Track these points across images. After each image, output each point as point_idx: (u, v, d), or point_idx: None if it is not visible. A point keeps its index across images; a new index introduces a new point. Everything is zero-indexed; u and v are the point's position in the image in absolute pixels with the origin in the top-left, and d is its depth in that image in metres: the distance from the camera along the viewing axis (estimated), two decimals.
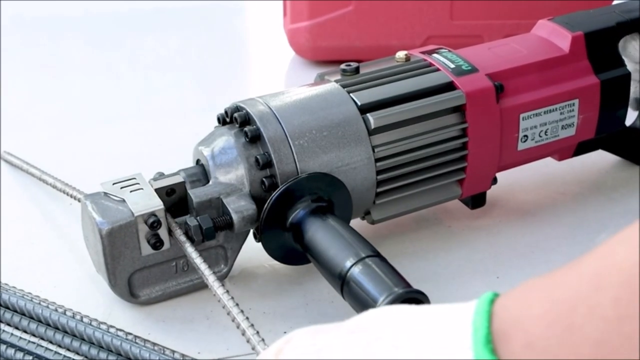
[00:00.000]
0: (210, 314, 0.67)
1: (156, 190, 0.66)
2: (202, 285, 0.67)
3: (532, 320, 0.37)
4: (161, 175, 0.69)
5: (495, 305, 0.38)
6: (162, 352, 0.60)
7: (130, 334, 0.62)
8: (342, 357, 0.40)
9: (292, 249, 0.66)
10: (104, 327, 0.62)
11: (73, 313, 0.64)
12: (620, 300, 0.35)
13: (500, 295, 0.39)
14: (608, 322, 0.35)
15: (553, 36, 0.76)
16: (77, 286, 0.71)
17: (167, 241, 0.65)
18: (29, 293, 0.67)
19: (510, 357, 0.36)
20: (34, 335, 0.64)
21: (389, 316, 0.41)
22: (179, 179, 0.68)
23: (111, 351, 0.61)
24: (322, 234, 0.63)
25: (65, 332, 0.63)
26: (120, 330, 0.62)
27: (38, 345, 0.63)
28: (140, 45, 1.23)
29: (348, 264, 0.59)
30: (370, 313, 0.42)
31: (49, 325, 0.64)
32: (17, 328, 0.65)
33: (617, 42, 0.76)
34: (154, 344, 0.61)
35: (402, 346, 0.39)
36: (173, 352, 0.61)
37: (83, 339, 0.62)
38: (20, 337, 0.64)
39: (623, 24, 0.76)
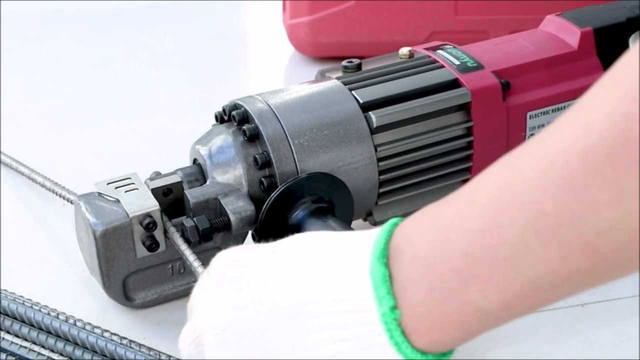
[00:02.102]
0: None
1: (153, 190, 0.66)
2: None
3: (418, 236, 0.42)
4: (158, 175, 0.68)
5: (398, 227, 0.43)
6: (157, 356, 0.60)
7: (125, 338, 0.62)
8: (261, 272, 0.45)
9: None
10: (97, 331, 0.62)
11: (66, 317, 0.63)
12: (484, 215, 0.39)
13: (402, 224, 0.44)
14: (474, 234, 0.40)
15: (561, 32, 0.76)
16: (70, 289, 0.71)
17: (163, 243, 0.65)
18: (21, 296, 0.66)
19: (398, 269, 0.41)
20: (26, 340, 0.64)
21: (308, 239, 0.46)
22: (176, 178, 0.67)
23: (105, 356, 0.61)
24: None
25: (59, 336, 0.63)
26: (115, 334, 0.62)
27: (30, 349, 0.63)
28: (136, 41, 1.23)
29: None
30: (293, 236, 0.47)
31: (41, 329, 0.64)
32: (8, 332, 0.64)
33: (627, 38, 0.76)
34: (150, 349, 0.61)
35: (311, 262, 0.44)
36: (169, 356, 0.61)
37: (77, 344, 0.62)
38: (12, 342, 0.63)
39: (633, 19, 0.76)
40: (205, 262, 0.66)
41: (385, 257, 0.41)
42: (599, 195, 0.36)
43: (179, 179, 0.67)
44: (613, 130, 0.36)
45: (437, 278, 0.40)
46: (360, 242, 0.43)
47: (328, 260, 0.43)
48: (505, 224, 0.39)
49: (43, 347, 0.63)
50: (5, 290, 0.67)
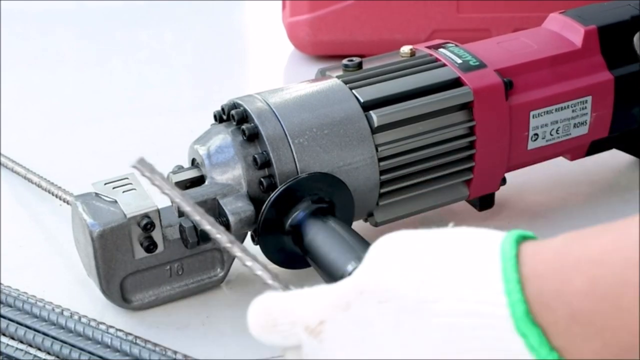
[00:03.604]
0: (206, 319, 0.67)
1: (176, 183, 0.66)
2: (198, 290, 0.68)
3: (576, 296, 0.38)
4: (180, 168, 0.68)
5: (526, 270, 0.40)
6: (163, 352, 0.61)
7: (124, 339, 0.62)
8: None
9: (291, 252, 0.66)
10: (98, 326, 0.63)
11: (64, 317, 0.64)
12: None
13: (531, 258, 0.40)
14: None
15: (565, 30, 0.75)
16: (67, 291, 0.71)
17: (161, 244, 0.65)
18: (21, 294, 0.67)
19: (554, 327, 0.39)
20: (22, 342, 0.64)
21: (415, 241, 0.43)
22: (198, 172, 0.67)
23: (101, 357, 0.61)
24: (322, 237, 0.63)
25: (56, 338, 0.63)
26: (112, 327, 0.63)
27: (27, 352, 0.63)
28: (134, 40, 1.23)
29: (349, 267, 0.59)
30: (389, 237, 0.44)
31: (38, 331, 0.63)
32: (4, 334, 0.64)
33: (631, 36, 0.76)
34: (155, 344, 0.62)
35: (435, 296, 0.41)
36: (175, 352, 0.61)
37: (74, 345, 0.62)
38: (8, 344, 0.63)
39: (637, 17, 0.76)
40: (203, 264, 0.67)
41: (529, 313, 0.39)
42: None
43: (201, 173, 0.67)
44: None
45: (611, 338, 0.38)
46: (482, 270, 0.40)
47: (454, 281, 0.40)
48: None
49: (39, 349, 0.63)
50: (9, 286, 0.68)
